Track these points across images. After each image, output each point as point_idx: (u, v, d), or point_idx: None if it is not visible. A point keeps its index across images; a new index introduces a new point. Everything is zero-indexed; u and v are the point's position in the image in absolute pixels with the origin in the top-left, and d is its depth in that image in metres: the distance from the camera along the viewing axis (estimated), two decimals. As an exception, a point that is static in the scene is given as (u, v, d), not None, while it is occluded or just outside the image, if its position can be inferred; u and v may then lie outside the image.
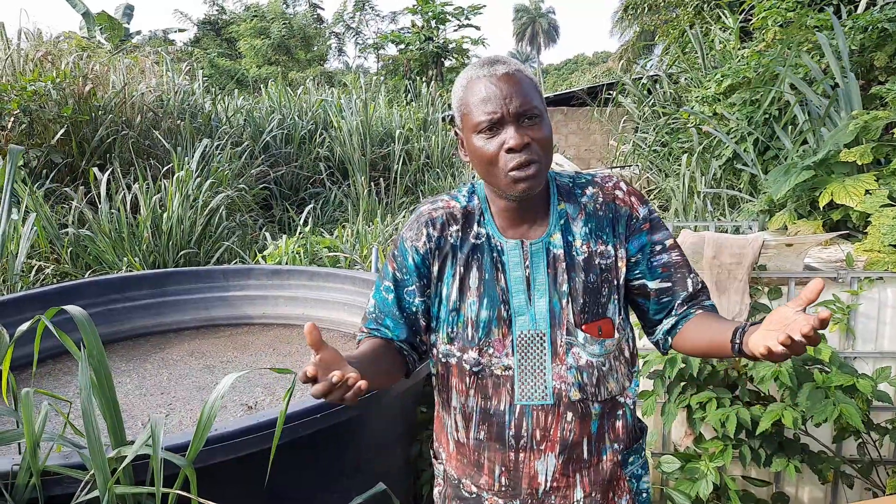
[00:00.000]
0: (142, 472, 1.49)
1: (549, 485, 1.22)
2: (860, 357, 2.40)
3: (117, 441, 1.45)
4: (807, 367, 2.14)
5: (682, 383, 2.22)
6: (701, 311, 1.23)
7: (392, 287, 1.25)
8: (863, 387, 1.97)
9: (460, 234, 1.23)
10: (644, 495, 1.31)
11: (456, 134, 1.22)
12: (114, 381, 2.82)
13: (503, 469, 1.23)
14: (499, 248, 1.21)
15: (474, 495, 1.28)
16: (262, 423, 1.77)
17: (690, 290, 1.23)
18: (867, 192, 2.80)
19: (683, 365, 2.13)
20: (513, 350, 1.19)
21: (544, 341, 1.18)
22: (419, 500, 2.46)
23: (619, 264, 1.22)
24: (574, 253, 1.20)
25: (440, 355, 1.25)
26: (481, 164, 1.16)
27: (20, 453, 1.42)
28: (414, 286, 1.24)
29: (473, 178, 8.88)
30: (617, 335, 1.22)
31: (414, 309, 1.25)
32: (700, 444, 2.19)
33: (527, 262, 1.20)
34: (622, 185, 1.26)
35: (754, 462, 2.14)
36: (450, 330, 1.22)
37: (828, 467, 2.15)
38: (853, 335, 2.38)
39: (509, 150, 1.11)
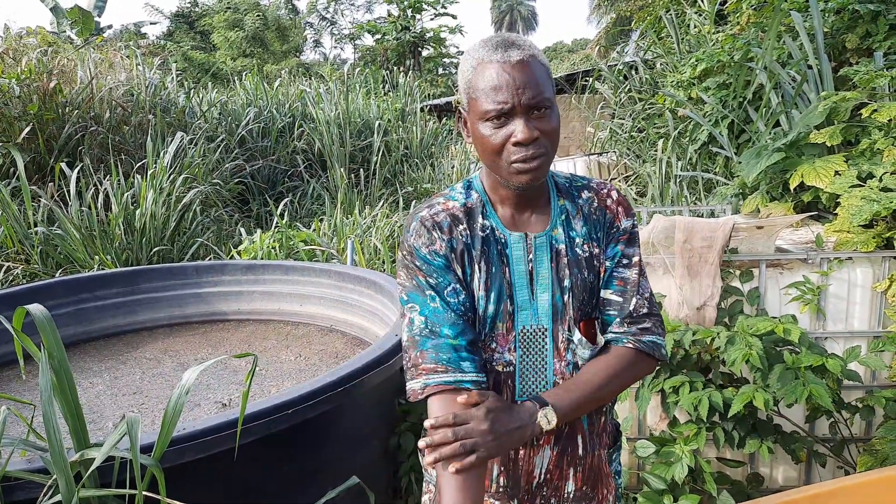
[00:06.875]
0: (108, 473, 1.46)
1: (542, 477, 1.21)
2: (831, 337, 2.43)
3: (80, 444, 1.42)
4: (777, 349, 2.15)
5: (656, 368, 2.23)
6: (629, 345, 1.19)
7: (435, 295, 1.14)
8: (832, 367, 1.98)
9: (468, 231, 1.17)
10: (620, 490, 1.35)
11: (459, 113, 1.17)
12: (86, 381, 2.80)
13: (502, 469, 1.21)
14: (502, 240, 1.17)
15: None
16: (231, 420, 1.75)
17: (630, 308, 1.20)
18: (836, 173, 2.81)
19: (657, 350, 2.13)
20: (515, 346, 1.17)
21: (546, 336, 1.17)
22: (398, 493, 2.45)
23: (601, 270, 1.21)
24: (577, 249, 1.19)
25: None
26: (485, 153, 1.11)
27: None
28: (452, 285, 1.15)
29: (454, 168, 8.84)
30: (601, 339, 1.21)
31: (463, 308, 1.15)
32: (674, 428, 2.20)
33: (530, 256, 1.17)
34: (613, 193, 1.24)
35: (728, 444, 2.16)
36: None
37: (801, 447, 2.17)
38: (823, 315, 2.41)
39: (517, 144, 1.06)
